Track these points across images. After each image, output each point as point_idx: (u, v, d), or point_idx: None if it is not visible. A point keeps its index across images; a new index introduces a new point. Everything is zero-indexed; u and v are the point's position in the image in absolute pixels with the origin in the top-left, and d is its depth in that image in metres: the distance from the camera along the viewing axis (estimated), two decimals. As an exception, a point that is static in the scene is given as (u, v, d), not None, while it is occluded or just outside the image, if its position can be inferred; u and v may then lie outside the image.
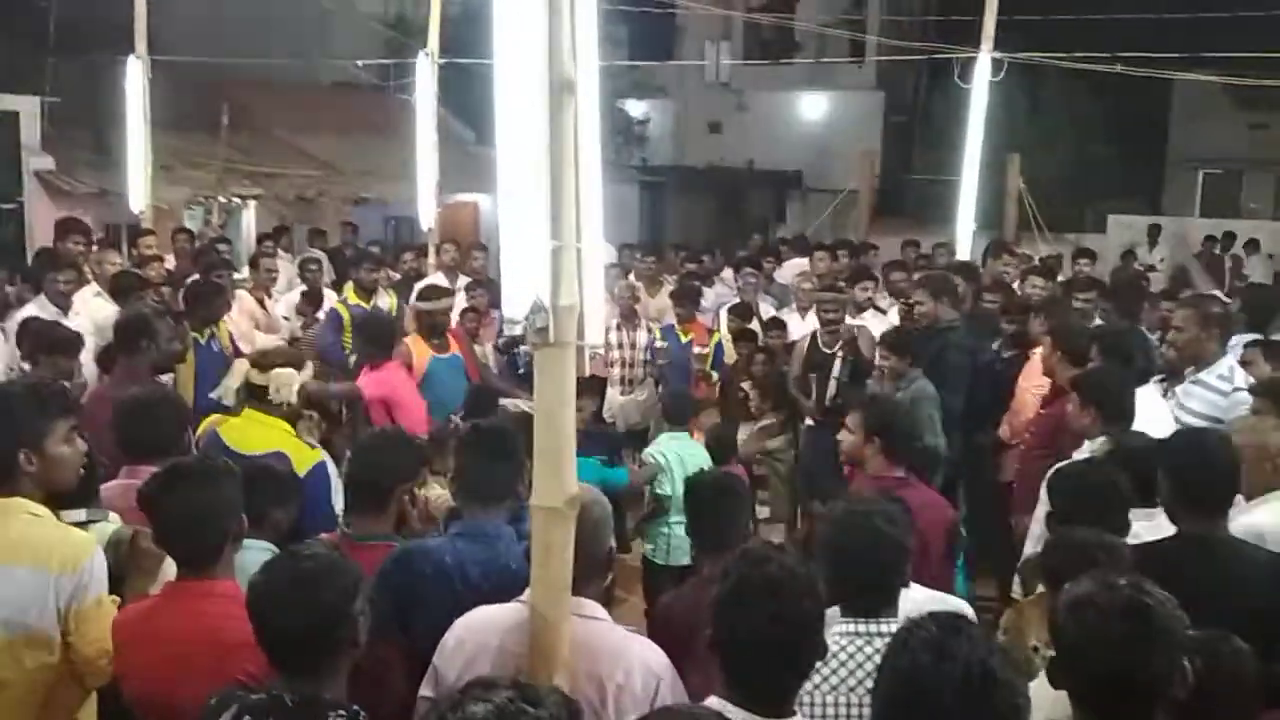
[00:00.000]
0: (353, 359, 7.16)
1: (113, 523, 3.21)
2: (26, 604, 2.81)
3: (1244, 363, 5.72)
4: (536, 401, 2.59)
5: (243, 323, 7.92)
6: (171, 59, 10.35)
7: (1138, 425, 4.43)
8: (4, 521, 2.85)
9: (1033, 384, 6.02)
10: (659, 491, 5.77)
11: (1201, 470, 3.43)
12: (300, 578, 2.34)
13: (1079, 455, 4.38)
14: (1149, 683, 2.09)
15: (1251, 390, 4.90)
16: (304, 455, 4.21)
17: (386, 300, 8.60)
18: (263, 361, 4.47)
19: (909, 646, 1.95)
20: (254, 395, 4.38)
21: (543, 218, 2.50)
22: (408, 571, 3.08)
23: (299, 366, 4.50)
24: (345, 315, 7.93)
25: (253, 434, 4.28)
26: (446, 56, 9.86)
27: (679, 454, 5.65)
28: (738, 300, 9.20)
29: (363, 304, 8.21)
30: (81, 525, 3.10)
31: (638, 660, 2.64)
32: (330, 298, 8.75)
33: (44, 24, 12.85)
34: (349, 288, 8.60)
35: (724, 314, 8.99)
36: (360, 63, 14.78)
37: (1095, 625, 2.11)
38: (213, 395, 5.23)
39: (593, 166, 2.62)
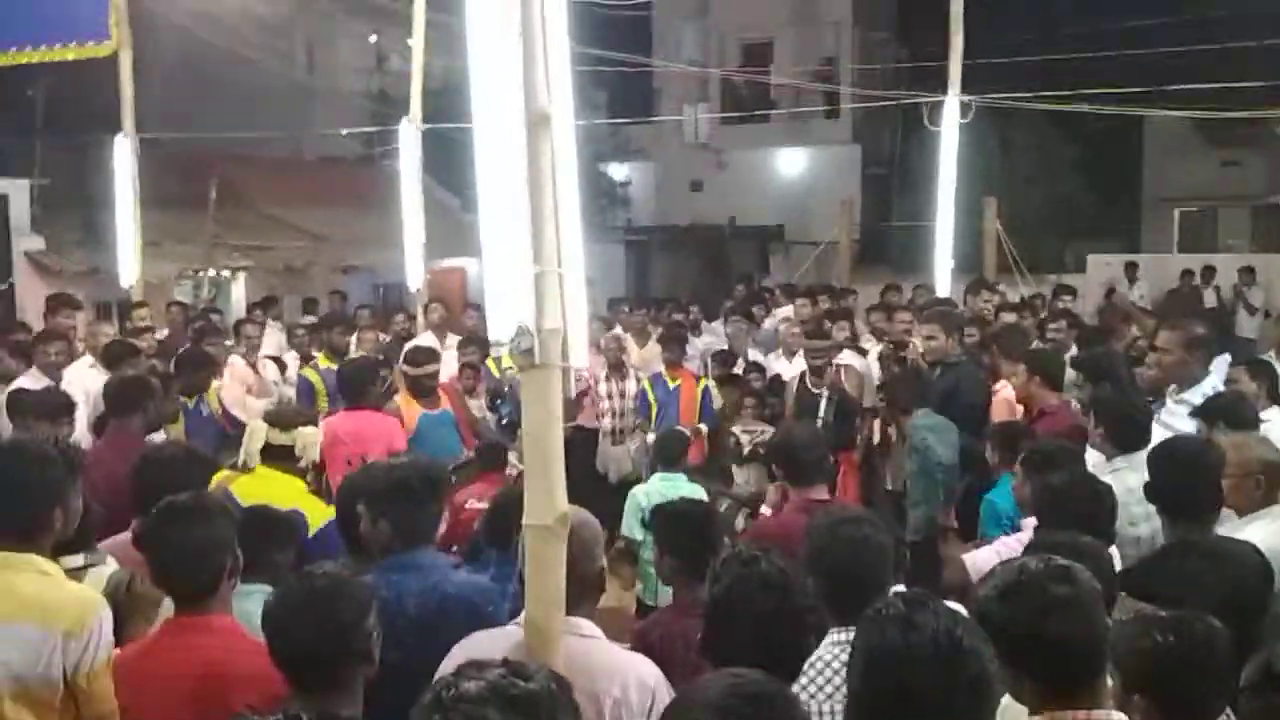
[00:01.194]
0: None
1: (110, 566, 3.24)
2: (31, 663, 2.77)
3: (1229, 382, 5.82)
4: (524, 423, 2.66)
5: (235, 388, 7.97)
6: (158, 135, 10.50)
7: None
8: (14, 578, 2.82)
9: (1000, 416, 6.06)
10: (629, 536, 5.83)
11: (1184, 475, 3.50)
12: (315, 594, 2.41)
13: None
14: (1090, 643, 2.15)
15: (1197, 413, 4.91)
16: (318, 511, 4.23)
17: None
18: (282, 421, 4.49)
19: (877, 624, 2.01)
20: (275, 455, 4.41)
21: (524, 243, 2.58)
22: None
23: (315, 424, 4.56)
24: (316, 380, 8.01)
25: (267, 491, 4.23)
26: (430, 126, 10.05)
27: (664, 494, 5.64)
28: (724, 348, 9.30)
29: (334, 367, 8.24)
30: (80, 570, 3.13)
31: (633, 675, 2.68)
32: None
33: (32, 107, 13.08)
34: (321, 353, 8.65)
35: (709, 361, 9.09)
36: (345, 131, 15.00)
37: (1030, 597, 2.17)
38: (237, 462, 5.25)
39: (571, 195, 2.71)
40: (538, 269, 2.58)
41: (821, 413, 7.20)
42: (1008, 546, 3.58)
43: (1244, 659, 2.58)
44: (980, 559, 3.76)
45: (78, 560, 3.17)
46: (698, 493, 5.67)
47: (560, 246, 2.63)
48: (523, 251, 2.59)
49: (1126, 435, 4.47)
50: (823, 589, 2.64)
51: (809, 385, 7.45)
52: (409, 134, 9.83)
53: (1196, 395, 5.49)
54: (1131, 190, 24.25)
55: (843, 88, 21.00)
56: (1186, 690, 2.38)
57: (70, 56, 9.24)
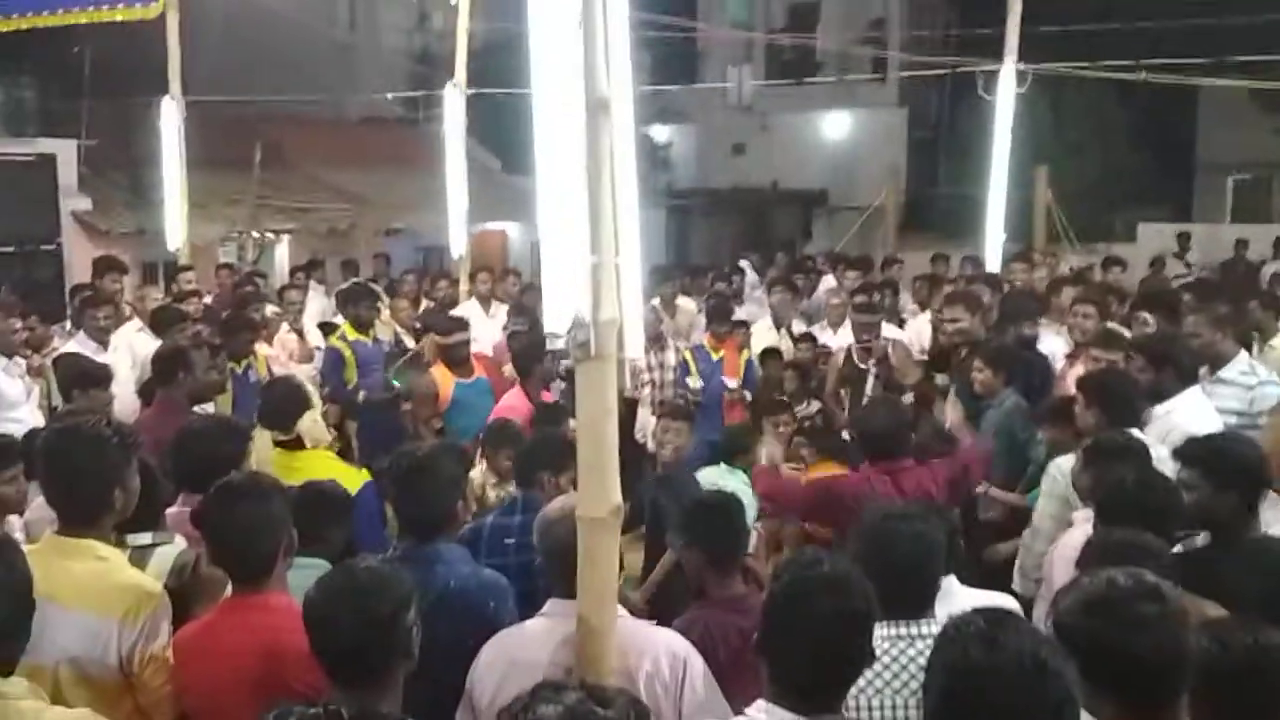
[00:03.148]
0: (361, 395, 7.45)
1: (177, 545, 3.27)
2: (89, 649, 2.80)
3: None
4: (579, 415, 2.65)
5: (279, 355, 8.04)
6: (204, 99, 10.54)
7: (1190, 426, 4.39)
8: (72, 565, 2.85)
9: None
10: None
11: (1220, 474, 3.44)
12: (355, 588, 2.39)
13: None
14: (1176, 661, 2.09)
15: None
16: (352, 478, 4.27)
17: (386, 334, 8.47)
18: (280, 423, 4.44)
19: (958, 640, 1.95)
20: (290, 447, 4.42)
21: (582, 234, 2.56)
22: None
23: (309, 404, 4.50)
24: (346, 351, 7.79)
25: (298, 466, 4.27)
26: (472, 87, 10.00)
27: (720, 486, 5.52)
28: (769, 318, 9.20)
29: (362, 338, 7.95)
30: (148, 548, 3.17)
31: (663, 647, 2.77)
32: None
33: (79, 68, 13.13)
34: (345, 324, 8.22)
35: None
36: (389, 95, 14.95)
37: (1118, 613, 2.10)
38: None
39: (629, 184, 2.68)
40: (595, 259, 2.56)
41: (869, 389, 7.12)
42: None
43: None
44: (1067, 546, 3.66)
45: (145, 538, 3.21)
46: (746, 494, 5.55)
47: (617, 236, 2.61)
48: (580, 241, 2.57)
49: (1120, 415, 4.42)
50: (873, 585, 2.61)
51: (855, 360, 7.37)
52: (453, 98, 9.79)
53: (1234, 372, 5.55)
54: (1184, 158, 23.73)
55: (891, 53, 20.61)
56: (1232, 701, 2.29)
57: (118, 18, 9.25)
